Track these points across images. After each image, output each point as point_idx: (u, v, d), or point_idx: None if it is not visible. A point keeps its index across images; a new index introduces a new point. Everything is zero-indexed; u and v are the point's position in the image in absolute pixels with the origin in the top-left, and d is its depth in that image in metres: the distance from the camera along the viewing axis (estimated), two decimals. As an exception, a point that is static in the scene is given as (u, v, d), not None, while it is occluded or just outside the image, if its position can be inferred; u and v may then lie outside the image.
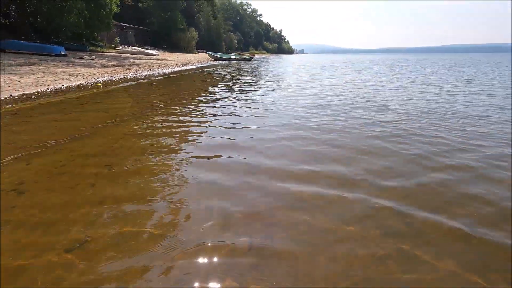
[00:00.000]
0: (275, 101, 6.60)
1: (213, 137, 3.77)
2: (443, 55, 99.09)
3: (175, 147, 3.37)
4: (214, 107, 5.85)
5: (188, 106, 5.95)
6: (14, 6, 16.61)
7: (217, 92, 8.08)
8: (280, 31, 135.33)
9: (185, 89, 8.92)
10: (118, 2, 22.20)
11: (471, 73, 15.01)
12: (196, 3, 47.84)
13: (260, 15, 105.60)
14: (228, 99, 6.78)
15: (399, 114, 5.17)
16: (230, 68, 20.01)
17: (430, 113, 5.28)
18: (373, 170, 2.74)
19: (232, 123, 4.49)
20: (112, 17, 20.96)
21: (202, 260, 1.58)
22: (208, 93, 7.94)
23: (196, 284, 1.42)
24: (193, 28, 42.21)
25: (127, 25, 32.28)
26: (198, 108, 5.74)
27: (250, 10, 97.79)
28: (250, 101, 6.58)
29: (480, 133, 4.01)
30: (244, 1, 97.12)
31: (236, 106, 5.93)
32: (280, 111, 5.49)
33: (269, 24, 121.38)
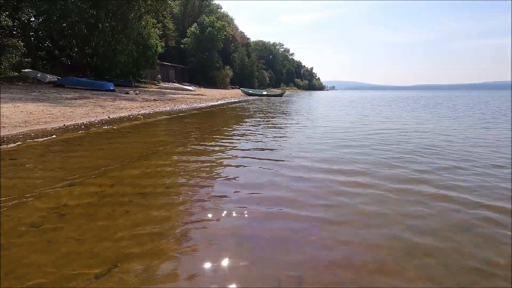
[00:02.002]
0: (308, 127, 6.69)
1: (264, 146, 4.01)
2: (482, 91, 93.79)
3: (209, 176, 3.44)
4: (252, 132, 5.99)
5: (223, 134, 6.14)
6: (76, 49, 19.13)
7: (250, 121, 8.29)
8: (311, 68, 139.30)
9: (219, 120, 9.28)
10: (163, 44, 24.59)
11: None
12: (232, 44, 51.52)
13: (292, 54, 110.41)
14: (260, 125, 6.91)
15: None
16: (262, 102, 20.66)
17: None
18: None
19: (272, 141, 4.67)
20: (156, 57, 23.19)
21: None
22: (242, 122, 8.16)
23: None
24: (228, 66, 45.03)
25: (169, 64, 35.36)
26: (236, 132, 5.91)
27: (282, 49, 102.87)
28: (280, 128, 6.66)
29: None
30: (277, 42, 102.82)
31: (267, 132, 6.02)
32: (313, 134, 5.47)
33: (301, 62, 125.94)
